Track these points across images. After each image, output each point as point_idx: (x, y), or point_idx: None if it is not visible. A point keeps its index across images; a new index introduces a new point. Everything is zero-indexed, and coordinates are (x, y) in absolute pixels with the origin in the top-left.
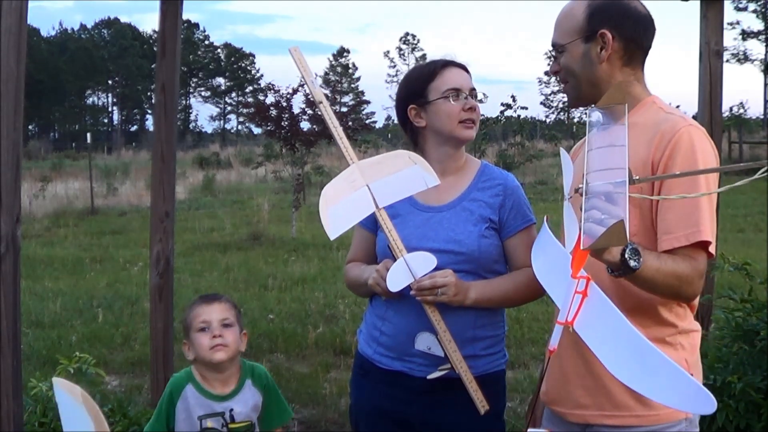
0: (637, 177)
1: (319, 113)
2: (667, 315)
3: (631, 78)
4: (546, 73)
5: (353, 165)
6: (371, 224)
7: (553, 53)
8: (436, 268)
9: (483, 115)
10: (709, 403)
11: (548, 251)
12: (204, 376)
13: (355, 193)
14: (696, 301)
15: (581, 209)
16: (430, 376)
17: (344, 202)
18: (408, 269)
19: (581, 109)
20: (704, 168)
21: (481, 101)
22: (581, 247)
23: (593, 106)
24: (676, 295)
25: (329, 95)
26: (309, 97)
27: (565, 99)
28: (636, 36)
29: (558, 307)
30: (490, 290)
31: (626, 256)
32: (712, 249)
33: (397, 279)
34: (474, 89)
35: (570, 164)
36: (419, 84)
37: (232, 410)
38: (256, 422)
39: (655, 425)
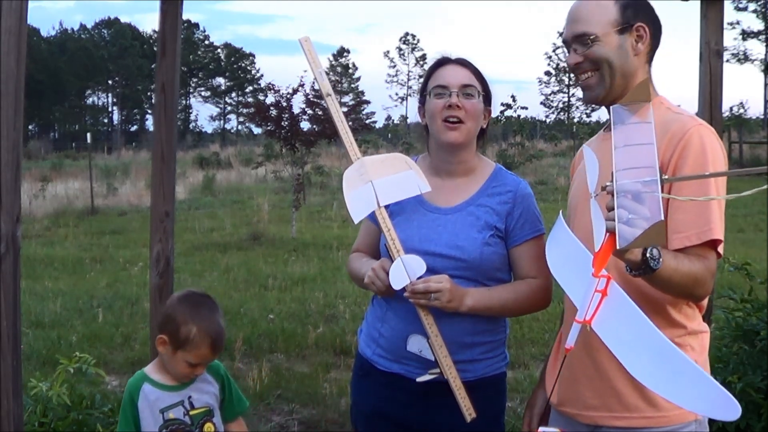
0: (666, 176)
1: (326, 105)
2: (677, 316)
3: (647, 76)
4: (549, 72)
5: (358, 161)
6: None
7: (574, 45)
8: (436, 272)
9: None
10: (733, 409)
11: (564, 246)
12: (162, 368)
13: (363, 186)
14: (705, 302)
15: (608, 208)
16: (419, 379)
17: (357, 192)
18: (405, 270)
19: (587, 108)
20: (714, 168)
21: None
22: (617, 247)
23: (618, 103)
24: (688, 294)
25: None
26: (309, 96)
27: (565, 99)
28: (659, 34)
29: (574, 304)
30: (488, 299)
31: (648, 255)
32: (721, 249)
33: (397, 278)
34: (469, 86)
35: (595, 161)
36: (424, 82)
37: (190, 397)
38: (215, 410)
39: (665, 427)
